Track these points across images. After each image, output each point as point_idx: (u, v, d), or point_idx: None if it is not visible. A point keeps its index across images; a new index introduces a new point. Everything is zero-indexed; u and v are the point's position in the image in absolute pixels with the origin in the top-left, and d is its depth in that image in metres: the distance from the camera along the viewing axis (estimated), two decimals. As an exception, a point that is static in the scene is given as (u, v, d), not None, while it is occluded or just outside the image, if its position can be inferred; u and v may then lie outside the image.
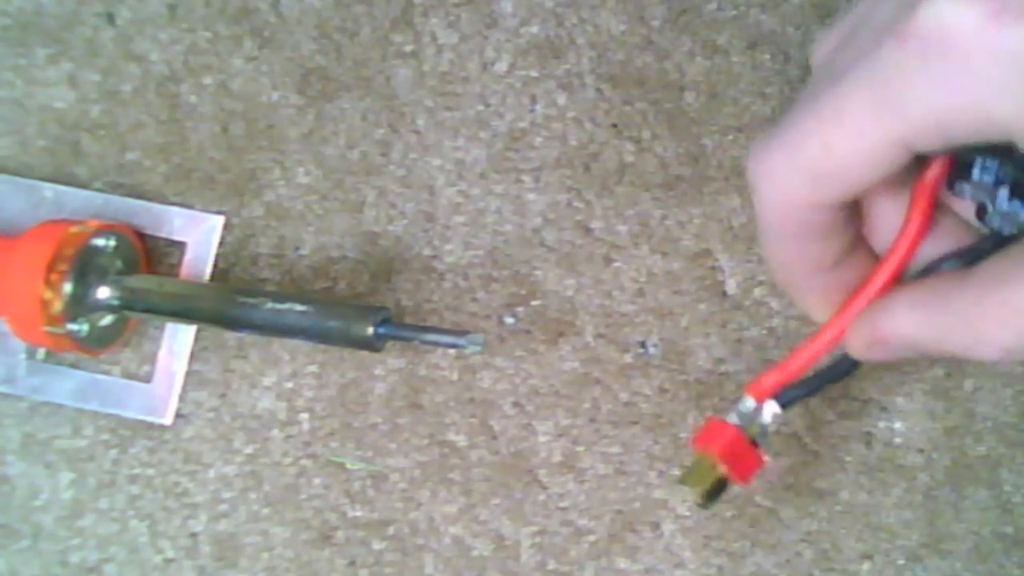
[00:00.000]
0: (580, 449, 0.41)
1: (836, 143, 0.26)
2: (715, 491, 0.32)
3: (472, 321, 0.41)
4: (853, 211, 0.29)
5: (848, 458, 0.40)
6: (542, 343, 0.41)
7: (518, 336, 0.41)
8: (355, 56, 0.43)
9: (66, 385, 0.42)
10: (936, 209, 0.29)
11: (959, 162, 0.28)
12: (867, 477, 0.40)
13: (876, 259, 0.30)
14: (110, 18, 0.43)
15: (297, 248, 0.42)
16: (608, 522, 0.41)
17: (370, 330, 0.36)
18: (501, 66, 0.42)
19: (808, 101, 0.27)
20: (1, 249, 0.38)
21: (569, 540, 0.41)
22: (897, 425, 0.41)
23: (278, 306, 0.37)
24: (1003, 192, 0.28)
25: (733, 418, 0.32)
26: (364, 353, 0.40)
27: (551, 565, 0.40)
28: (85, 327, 0.39)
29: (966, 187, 0.28)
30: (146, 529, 0.41)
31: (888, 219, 0.30)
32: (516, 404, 0.41)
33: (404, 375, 0.41)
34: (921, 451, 0.40)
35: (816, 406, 0.41)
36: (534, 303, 0.41)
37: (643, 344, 0.41)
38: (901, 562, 0.40)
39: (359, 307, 0.38)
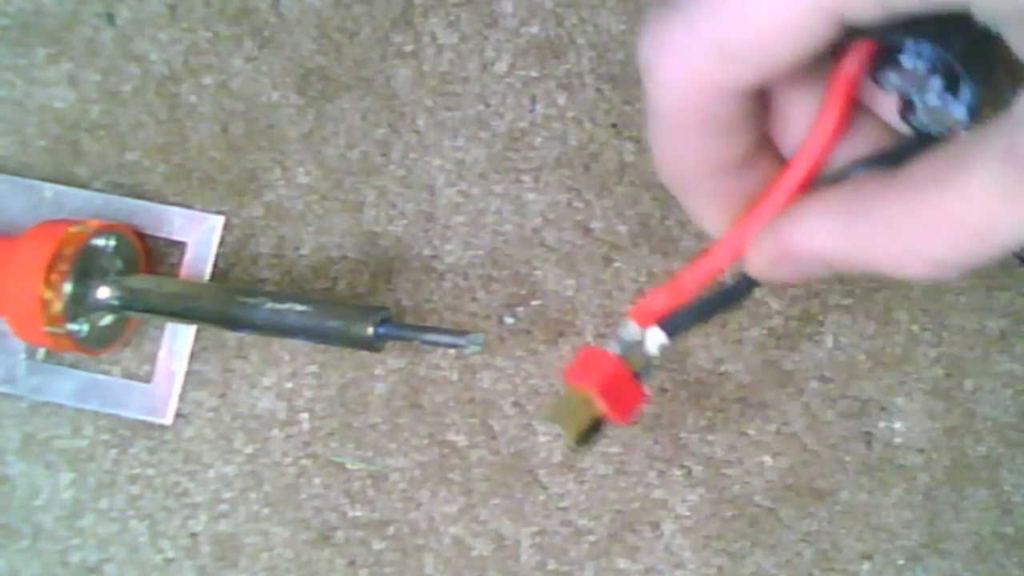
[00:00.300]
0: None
1: (753, 11, 0.22)
2: (590, 432, 0.27)
3: (472, 321, 0.41)
4: (760, 104, 0.25)
5: (848, 458, 0.40)
6: (542, 343, 0.41)
7: (518, 336, 0.41)
8: (355, 56, 0.43)
9: (66, 385, 0.42)
10: (854, 107, 0.26)
11: (885, 50, 0.25)
12: (867, 477, 0.40)
13: (783, 164, 0.26)
14: (110, 18, 0.43)
15: (297, 248, 0.42)
16: (608, 522, 0.41)
17: (370, 330, 0.36)
18: (501, 66, 0.42)
19: None
20: (1, 249, 0.38)
21: (569, 540, 0.41)
22: (897, 425, 0.41)
23: (278, 306, 0.37)
24: (936, 82, 0.24)
25: (613, 347, 0.27)
26: (364, 353, 0.40)
27: (551, 565, 0.40)
28: (85, 327, 0.39)
29: (893, 77, 0.24)
30: (146, 529, 0.41)
31: (800, 117, 0.26)
32: (516, 404, 0.41)
33: (404, 375, 0.41)
34: (921, 451, 0.40)
35: (816, 406, 0.41)
36: (534, 303, 0.41)
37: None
38: (901, 562, 0.40)
39: (359, 307, 0.38)
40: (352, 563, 0.41)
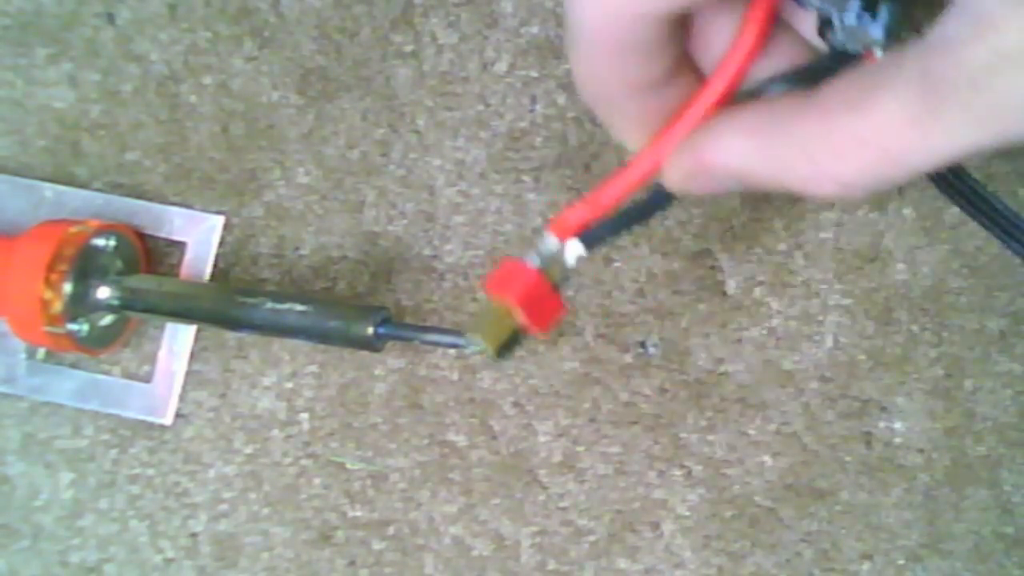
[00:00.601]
0: (580, 449, 0.41)
1: None
2: (510, 343, 0.28)
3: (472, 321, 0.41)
4: (680, 24, 0.26)
5: (848, 458, 0.40)
6: (542, 343, 0.41)
7: (518, 336, 0.41)
8: (355, 56, 0.43)
9: (66, 385, 0.42)
10: (774, 24, 0.26)
11: None
12: (867, 477, 0.40)
13: (703, 82, 0.27)
14: (110, 18, 0.43)
15: (297, 248, 0.42)
16: (608, 522, 0.41)
17: (370, 330, 0.36)
18: (501, 66, 0.42)
19: None
20: (1, 249, 0.38)
21: (569, 540, 0.41)
22: (897, 425, 0.41)
23: (278, 306, 0.37)
24: (855, 3, 0.24)
25: (532, 259, 0.28)
26: (364, 353, 0.40)
27: (551, 565, 0.40)
28: (85, 327, 0.39)
29: None
30: (146, 529, 0.41)
31: (721, 35, 0.26)
32: (516, 404, 0.41)
33: (404, 375, 0.41)
34: (921, 451, 0.40)
35: (816, 406, 0.41)
36: (534, 303, 0.41)
37: (643, 344, 0.41)
38: (901, 562, 0.40)
39: (359, 307, 0.38)
40: (352, 563, 0.41)
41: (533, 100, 0.42)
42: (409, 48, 0.43)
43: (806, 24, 0.26)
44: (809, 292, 0.41)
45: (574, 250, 0.28)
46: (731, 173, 0.25)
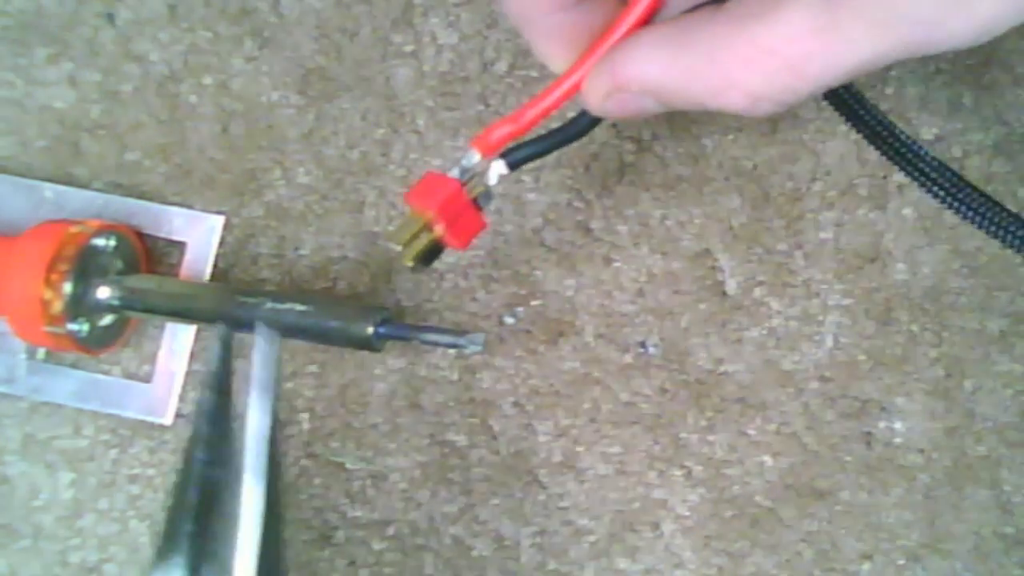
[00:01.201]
0: (580, 449, 0.41)
1: None
2: (429, 254, 0.28)
3: (472, 321, 0.41)
4: None
5: (848, 458, 0.40)
6: (542, 343, 0.41)
7: (518, 336, 0.41)
8: (355, 56, 0.43)
9: (66, 385, 0.42)
10: None
11: None
12: (867, 477, 0.40)
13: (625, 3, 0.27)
14: (110, 18, 0.43)
15: (297, 248, 0.42)
16: (608, 522, 0.41)
17: (370, 330, 0.36)
18: (501, 66, 0.42)
19: None
20: (1, 249, 0.38)
21: (569, 540, 0.41)
22: (897, 425, 0.41)
23: (278, 306, 0.37)
24: None
25: (455, 173, 0.28)
26: (364, 353, 0.40)
27: (551, 565, 0.40)
28: (85, 327, 0.39)
29: None
30: (146, 529, 0.41)
31: None
32: (516, 404, 0.41)
33: (404, 375, 0.41)
34: (921, 451, 0.40)
35: (816, 406, 0.41)
36: (534, 303, 0.41)
37: (643, 344, 0.41)
38: (901, 562, 0.40)
39: (359, 307, 0.38)
40: (352, 563, 0.41)
41: (533, 100, 0.42)
42: (409, 48, 0.43)
43: None
44: (809, 292, 0.41)
45: (497, 168, 0.28)
46: (645, 87, 0.25)
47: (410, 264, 0.28)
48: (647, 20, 0.26)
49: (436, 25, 0.43)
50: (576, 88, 0.27)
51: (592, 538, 0.41)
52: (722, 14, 0.24)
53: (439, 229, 0.28)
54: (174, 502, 0.28)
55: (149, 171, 0.43)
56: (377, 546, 0.41)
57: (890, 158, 0.31)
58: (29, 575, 0.42)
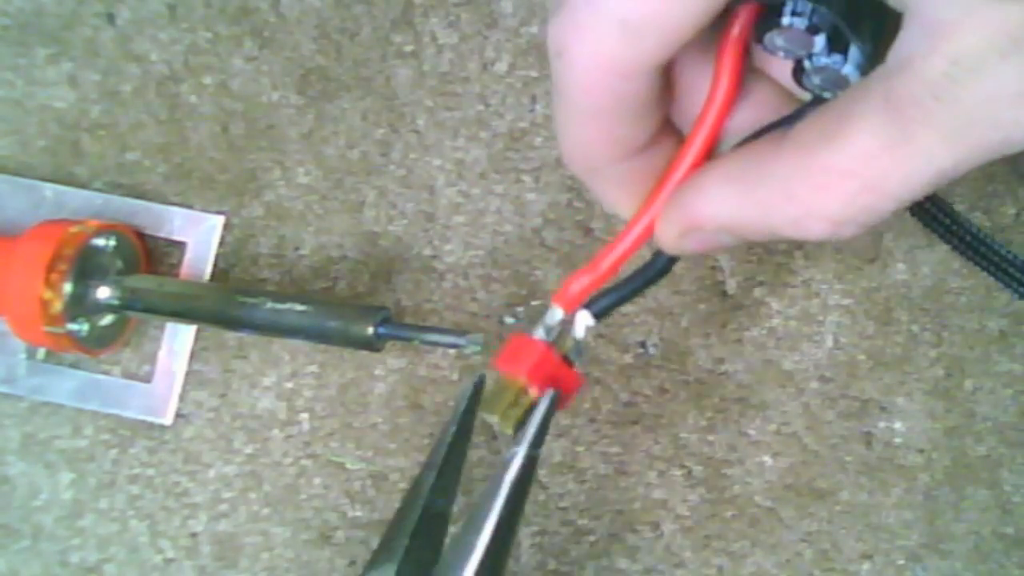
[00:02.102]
0: (580, 449, 0.41)
1: None
2: (526, 419, 0.27)
3: (472, 321, 0.41)
4: (664, 86, 0.26)
5: (848, 458, 0.40)
6: (542, 343, 0.41)
7: (518, 336, 0.41)
8: (355, 56, 0.43)
9: (66, 385, 0.42)
10: (748, 72, 0.25)
11: (768, 12, 0.24)
12: (867, 477, 0.40)
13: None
14: (110, 18, 0.43)
15: (297, 248, 0.42)
16: (608, 522, 0.41)
17: (370, 330, 0.36)
18: (501, 66, 0.42)
19: None
20: (1, 249, 0.38)
21: (569, 540, 0.41)
22: (897, 425, 0.41)
23: (278, 306, 0.37)
24: (820, 40, 0.24)
25: (539, 333, 0.27)
26: (364, 353, 0.40)
27: (551, 565, 0.40)
28: (85, 327, 0.39)
29: (777, 38, 0.24)
30: (146, 529, 0.41)
31: (698, 92, 0.26)
32: (516, 404, 0.41)
33: (404, 375, 0.41)
34: (921, 451, 0.40)
35: (816, 406, 0.41)
36: (534, 303, 0.41)
37: (643, 344, 0.41)
38: (901, 562, 0.40)
39: (359, 307, 0.38)
40: (352, 563, 0.41)
41: (533, 100, 0.42)
42: (409, 48, 0.43)
43: (782, 70, 0.26)
44: (809, 292, 0.41)
45: (583, 320, 0.27)
46: (720, 225, 0.25)
47: (510, 432, 0.27)
48: (707, 154, 0.26)
49: (436, 25, 0.43)
50: (649, 231, 0.26)
51: (592, 538, 0.41)
52: (788, 142, 0.23)
53: (534, 392, 0.27)
54: (396, 516, 0.30)
55: (149, 171, 0.43)
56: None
57: (983, 267, 0.31)
58: (29, 575, 0.42)
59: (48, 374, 0.42)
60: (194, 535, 0.41)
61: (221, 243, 0.42)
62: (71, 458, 0.42)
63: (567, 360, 0.28)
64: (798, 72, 0.25)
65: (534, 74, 0.42)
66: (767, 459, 0.41)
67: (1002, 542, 0.40)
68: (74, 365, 0.42)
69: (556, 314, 0.28)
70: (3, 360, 0.42)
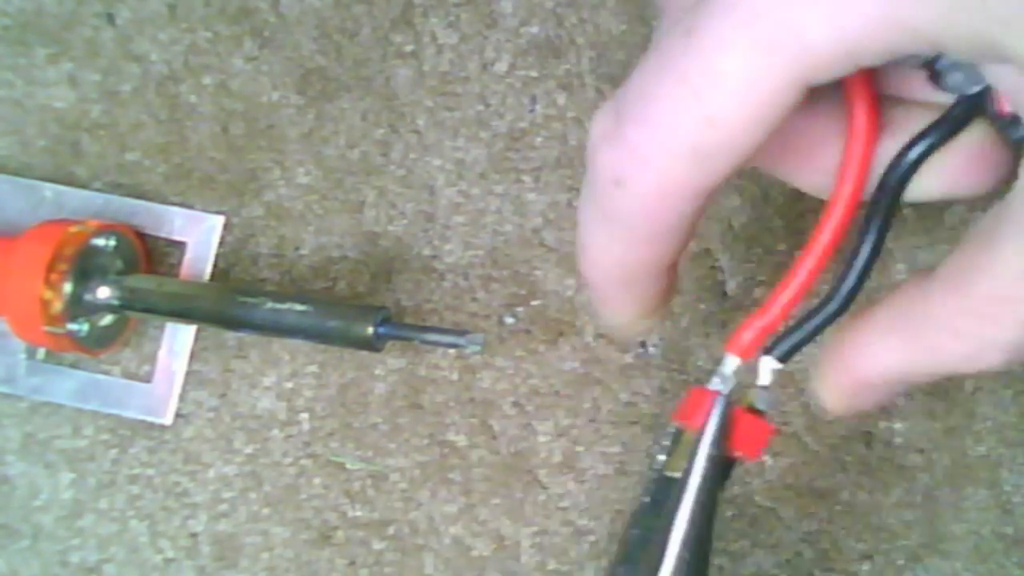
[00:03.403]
0: (580, 449, 0.41)
1: (719, 109, 0.21)
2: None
3: (472, 321, 0.41)
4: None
5: (848, 458, 0.40)
6: (542, 343, 0.41)
7: (518, 336, 0.41)
8: (355, 56, 0.43)
9: (66, 385, 0.42)
10: (880, 102, 0.24)
11: None
12: (867, 477, 0.40)
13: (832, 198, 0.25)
14: (110, 18, 0.43)
15: (297, 248, 0.42)
16: (608, 522, 0.41)
17: (370, 330, 0.36)
18: (501, 66, 0.42)
19: (668, 58, 0.21)
20: (1, 249, 0.38)
21: (569, 540, 0.41)
22: (897, 425, 0.41)
23: (278, 306, 0.37)
24: None
25: (716, 384, 0.26)
26: (364, 353, 0.40)
27: (551, 565, 0.40)
28: (85, 327, 0.39)
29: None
30: (146, 529, 0.41)
31: (818, 144, 0.25)
32: (516, 404, 0.41)
33: (404, 375, 0.41)
34: (921, 451, 0.40)
35: (816, 406, 0.41)
36: (534, 303, 0.41)
37: (643, 344, 0.41)
38: (901, 562, 0.40)
39: (359, 307, 0.38)
40: (352, 563, 0.41)
41: (533, 100, 0.42)
42: (409, 48, 0.43)
43: (914, 84, 0.25)
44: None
45: (767, 365, 0.26)
46: (892, 377, 0.24)
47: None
48: (861, 190, 0.25)
49: (436, 25, 0.43)
50: (816, 273, 0.26)
51: (592, 538, 0.41)
52: (937, 282, 0.23)
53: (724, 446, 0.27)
54: (624, 528, 0.28)
55: (149, 171, 0.43)
56: (377, 546, 0.41)
57: None
58: (29, 575, 0.42)
59: (48, 374, 0.42)
60: (194, 535, 0.41)
61: (221, 243, 0.42)
62: (71, 458, 0.42)
63: (753, 410, 0.27)
64: (934, 76, 0.24)
65: (534, 74, 0.42)
66: (767, 459, 0.40)
67: (1002, 542, 0.40)
68: (74, 365, 0.42)
69: (731, 363, 0.27)
70: (3, 360, 0.42)
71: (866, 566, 0.40)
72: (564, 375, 0.41)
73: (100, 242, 0.40)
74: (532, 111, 0.42)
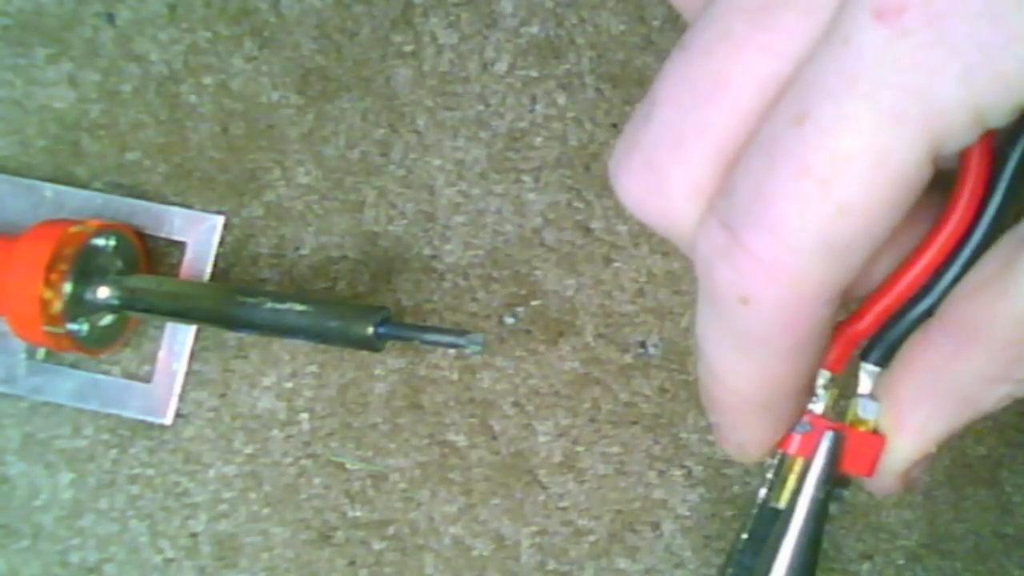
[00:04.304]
0: (580, 449, 0.41)
1: (851, 196, 0.18)
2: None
3: (472, 321, 0.41)
4: None
5: (848, 458, 0.40)
6: (542, 343, 0.41)
7: (518, 336, 0.41)
8: (355, 56, 0.43)
9: (66, 385, 0.42)
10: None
11: None
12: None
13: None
14: (110, 18, 0.43)
15: (297, 248, 0.42)
16: (608, 522, 0.41)
17: (370, 330, 0.36)
18: (501, 66, 0.42)
19: (779, 150, 0.19)
20: (1, 249, 0.38)
21: (569, 540, 0.41)
22: (897, 425, 0.41)
23: (278, 306, 0.37)
24: None
25: (813, 404, 0.25)
26: (364, 353, 0.40)
27: (551, 565, 0.40)
28: (85, 327, 0.39)
29: None
30: (146, 529, 0.41)
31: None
32: (516, 404, 0.41)
33: (404, 375, 0.41)
34: (921, 451, 0.40)
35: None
36: (534, 303, 0.41)
37: (643, 344, 0.41)
38: (901, 562, 0.40)
39: (359, 307, 0.38)
40: (352, 563, 0.41)
41: (533, 100, 0.42)
42: (409, 48, 0.43)
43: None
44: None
45: (866, 372, 0.25)
46: (937, 442, 0.23)
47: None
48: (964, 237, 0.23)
49: (436, 25, 0.43)
50: (919, 282, 0.24)
51: (592, 538, 0.41)
52: (952, 337, 0.22)
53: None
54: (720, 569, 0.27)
55: (149, 171, 0.43)
56: (377, 546, 0.41)
57: None
58: (29, 575, 0.42)
59: (48, 374, 0.42)
60: (194, 535, 0.41)
61: (221, 243, 0.42)
62: (71, 458, 0.42)
63: (858, 422, 0.25)
64: None
65: (534, 74, 0.42)
66: (767, 459, 0.40)
67: (1002, 542, 0.40)
68: (74, 365, 0.42)
69: (823, 378, 0.25)
70: (3, 360, 0.42)
71: (866, 566, 0.40)
72: (564, 375, 0.41)
73: (100, 242, 0.40)
74: (532, 111, 0.42)
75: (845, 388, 0.26)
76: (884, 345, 0.25)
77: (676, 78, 0.20)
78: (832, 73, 0.18)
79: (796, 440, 0.25)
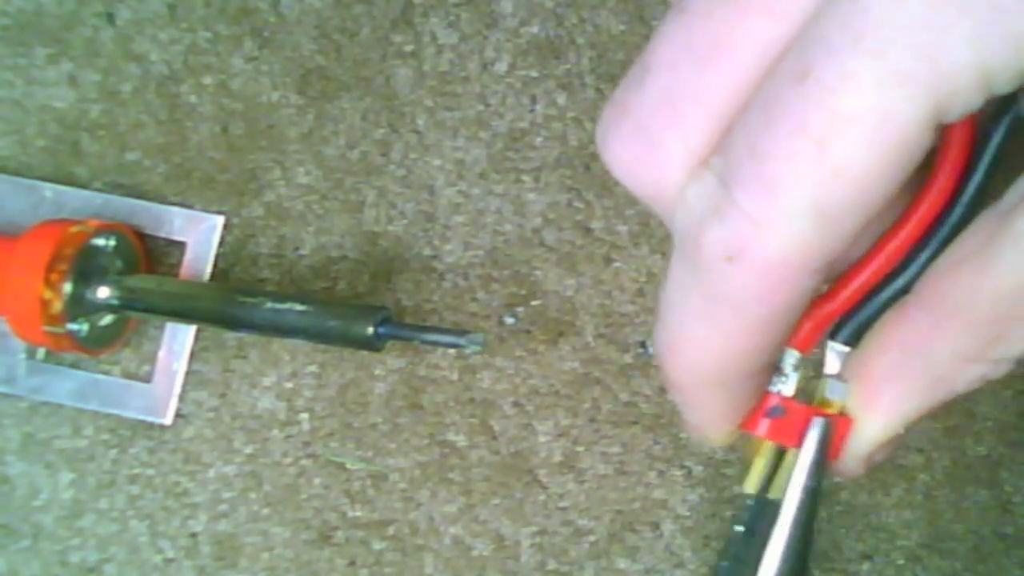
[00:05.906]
0: (580, 449, 0.41)
1: (848, 158, 0.18)
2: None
3: (472, 321, 0.41)
4: None
5: (848, 458, 0.40)
6: (542, 343, 0.41)
7: (518, 336, 0.41)
8: (355, 56, 0.43)
9: (66, 385, 0.42)
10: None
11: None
12: (867, 477, 0.40)
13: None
14: (110, 18, 0.43)
15: (297, 248, 0.42)
16: (608, 522, 0.41)
17: (370, 330, 0.36)
18: (501, 66, 0.42)
19: (778, 108, 0.18)
20: (1, 249, 0.38)
21: (569, 540, 0.41)
22: (897, 425, 0.41)
23: (278, 306, 0.37)
24: None
25: (779, 385, 0.24)
26: (364, 353, 0.40)
27: (551, 565, 0.40)
28: (85, 327, 0.39)
29: None
30: (146, 529, 0.41)
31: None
32: (516, 404, 0.41)
33: (404, 375, 0.41)
34: (921, 451, 0.40)
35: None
36: (534, 303, 0.41)
37: (643, 344, 0.41)
38: (901, 562, 0.40)
39: (359, 307, 0.38)
40: (352, 563, 0.41)
41: (533, 100, 0.42)
42: (409, 48, 0.43)
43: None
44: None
45: (833, 350, 0.24)
46: (908, 422, 0.23)
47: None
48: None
49: (436, 25, 0.43)
50: (894, 261, 0.23)
51: (592, 538, 0.41)
52: (929, 313, 0.21)
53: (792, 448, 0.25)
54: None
55: (149, 171, 0.43)
56: (377, 546, 0.41)
57: None
58: (29, 575, 0.42)
59: (48, 374, 0.42)
60: (194, 535, 0.41)
61: (221, 243, 0.42)
62: (71, 458, 0.42)
63: (826, 403, 0.24)
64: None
65: (534, 74, 0.42)
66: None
67: (1002, 542, 0.40)
68: (74, 365, 0.42)
69: (791, 357, 0.24)
70: (3, 360, 0.42)
71: (866, 566, 0.40)
72: (564, 375, 0.41)
73: (100, 242, 0.40)
74: (532, 111, 0.42)
75: (807, 369, 0.25)
76: (855, 324, 0.24)
77: (673, 41, 0.19)
78: (837, 30, 0.17)
79: (765, 424, 0.24)
